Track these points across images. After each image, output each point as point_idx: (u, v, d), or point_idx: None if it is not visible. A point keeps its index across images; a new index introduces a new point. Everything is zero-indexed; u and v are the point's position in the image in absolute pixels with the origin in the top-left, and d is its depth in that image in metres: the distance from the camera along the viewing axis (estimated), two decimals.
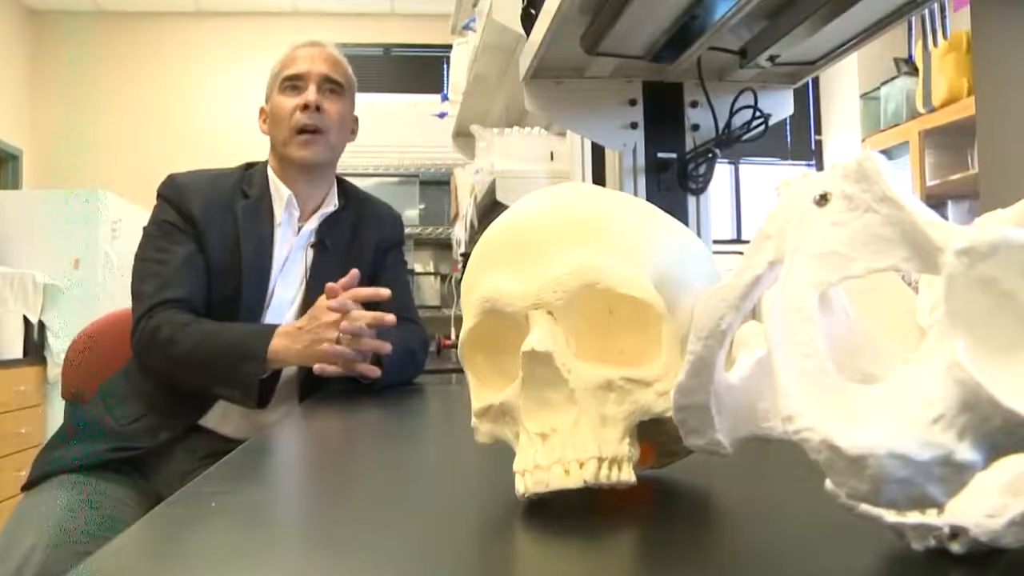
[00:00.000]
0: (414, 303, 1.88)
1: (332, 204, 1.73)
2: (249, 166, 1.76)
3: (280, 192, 1.68)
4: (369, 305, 1.49)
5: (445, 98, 3.98)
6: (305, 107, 1.66)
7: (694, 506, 0.54)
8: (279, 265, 1.65)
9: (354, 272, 1.48)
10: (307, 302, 1.65)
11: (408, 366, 1.61)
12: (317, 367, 1.46)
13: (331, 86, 1.70)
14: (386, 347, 1.48)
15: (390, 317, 1.47)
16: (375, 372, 1.48)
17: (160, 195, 1.67)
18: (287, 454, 0.93)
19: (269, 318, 1.63)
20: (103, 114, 6.25)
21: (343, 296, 1.45)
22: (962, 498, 0.31)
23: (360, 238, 1.76)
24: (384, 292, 1.50)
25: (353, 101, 1.78)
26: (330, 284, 1.46)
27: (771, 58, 1.62)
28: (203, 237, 1.61)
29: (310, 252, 1.69)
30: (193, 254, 1.59)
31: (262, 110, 1.77)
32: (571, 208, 0.53)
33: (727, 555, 0.43)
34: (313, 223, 1.71)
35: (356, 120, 1.81)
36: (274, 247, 1.65)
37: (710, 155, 1.77)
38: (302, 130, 1.66)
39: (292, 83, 1.69)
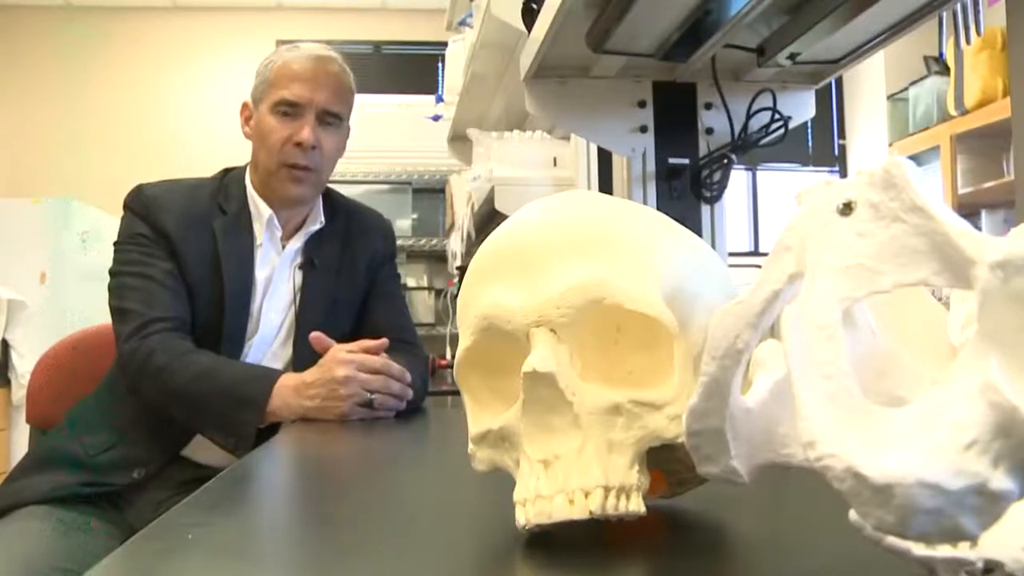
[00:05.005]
0: (412, 322, 1.87)
1: (318, 221, 1.71)
2: (226, 172, 1.74)
3: (260, 210, 1.66)
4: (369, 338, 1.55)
5: (440, 99, 3.98)
6: (298, 144, 1.62)
7: (708, 538, 0.54)
8: (262, 288, 1.65)
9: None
10: (297, 326, 1.65)
11: (418, 396, 1.60)
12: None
13: (330, 118, 1.66)
14: (409, 393, 1.51)
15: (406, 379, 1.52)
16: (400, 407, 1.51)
17: (128, 208, 1.65)
18: (270, 482, 0.93)
19: (256, 346, 1.63)
20: (73, 116, 6.26)
21: (358, 353, 1.49)
22: (997, 530, 0.31)
23: (350, 253, 1.75)
24: (385, 342, 1.53)
25: (349, 116, 1.73)
26: (315, 335, 1.51)
27: (791, 56, 1.63)
28: (179, 256, 1.59)
29: (298, 273, 1.68)
30: (174, 270, 1.58)
31: (245, 105, 1.72)
32: (575, 218, 0.53)
33: None
34: (298, 241, 1.69)
35: (348, 130, 1.76)
36: (255, 268, 1.64)
37: (725, 161, 1.78)
38: (292, 166, 1.63)
39: (286, 109, 1.63)
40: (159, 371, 1.48)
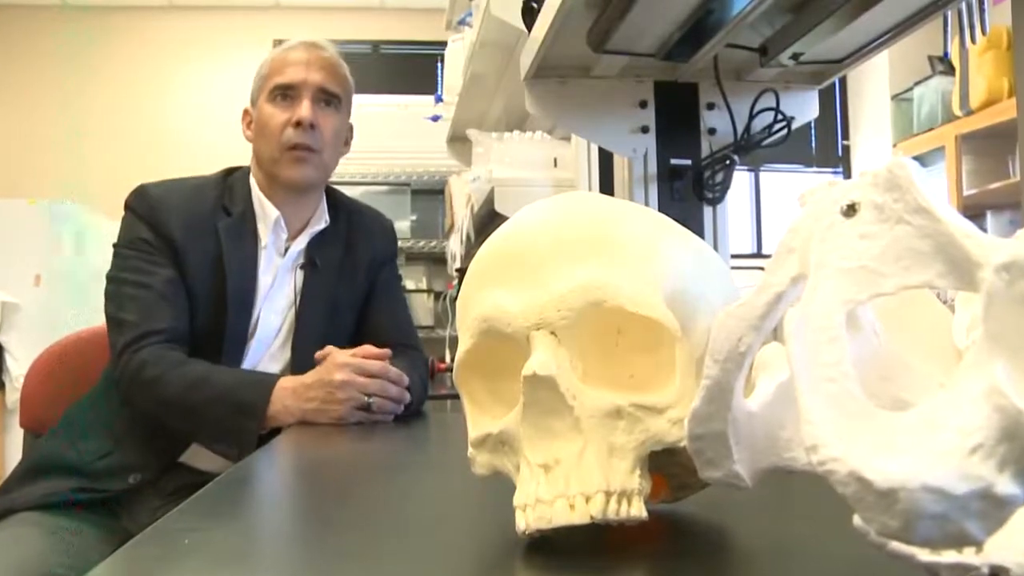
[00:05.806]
0: (413, 324, 1.87)
1: (322, 221, 1.70)
2: (229, 172, 1.73)
3: (266, 211, 1.65)
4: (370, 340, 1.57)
5: (439, 99, 3.98)
6: (298, 124, 1.61)
7: (710, 543, 0.54)
8: (264, 291, 1.64)
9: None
10: (296, 328, 1.65)
11: (417, 400, 1.60)
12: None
13: (327, 98, 1.66)
14: (406, 397, 1.51)
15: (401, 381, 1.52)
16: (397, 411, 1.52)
17: (130, 209, 1.63)
18: (267, 487, 0.93)
19: (253, 348, 1.62)
20: (69, 116, 6.25)
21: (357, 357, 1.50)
22: (1002, 535, 0.31)
23: (352, 254, 1.74)
24: (387, 352, 1.53)
25: (349, 110, 1.74)
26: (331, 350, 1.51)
27: (794, 56, 1.63)
28: (182, 260, 1.58)
29: (299, 273, 1.67)
30: (175, 278, 1.57)
31: (246, 112, 1.73)
32: (576, 220, 0.53)
33: None
34: (301, 242, 1.68)
35: (351, 129, 1.77)
36: (258, 272, 1.63)
37: (728, 162, 1.78)
38: (294, 147, 1.62)
39: (283, 92, 1.64)
40: (153, 382, 1.48)
